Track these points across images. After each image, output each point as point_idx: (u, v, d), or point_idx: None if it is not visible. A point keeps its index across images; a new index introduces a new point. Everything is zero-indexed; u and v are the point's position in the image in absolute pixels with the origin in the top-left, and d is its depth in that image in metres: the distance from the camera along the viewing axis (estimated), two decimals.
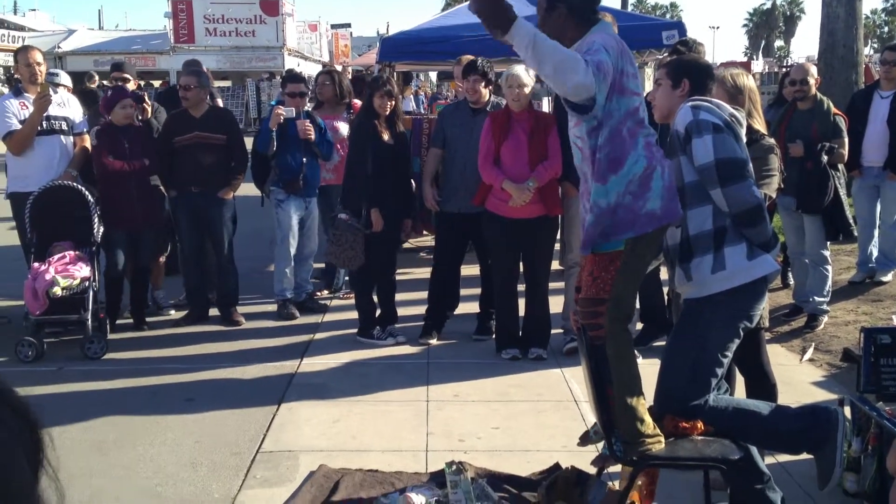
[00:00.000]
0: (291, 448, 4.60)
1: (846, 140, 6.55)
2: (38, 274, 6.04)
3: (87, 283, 6.11)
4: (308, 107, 7.31)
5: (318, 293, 7.67)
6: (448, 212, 6.40)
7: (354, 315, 6.59)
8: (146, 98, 7.32)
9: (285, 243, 7.05)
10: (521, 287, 6.19)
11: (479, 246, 6.49)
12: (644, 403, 3.52)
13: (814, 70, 6.81)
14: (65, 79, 7.80)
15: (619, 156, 3.52)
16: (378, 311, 6.53)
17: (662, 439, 3.49)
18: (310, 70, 30.97)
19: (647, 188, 3.51)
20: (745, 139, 3.73)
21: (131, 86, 7.68)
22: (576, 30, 3.74)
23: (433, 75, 28.35)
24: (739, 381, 4.24)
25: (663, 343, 5.56)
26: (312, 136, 6.90)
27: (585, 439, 3.86)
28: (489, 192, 5.97)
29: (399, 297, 6.69)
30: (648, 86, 11.18)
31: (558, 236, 6.49)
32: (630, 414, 3.46)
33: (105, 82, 10.65)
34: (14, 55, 7.21)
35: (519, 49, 3.28)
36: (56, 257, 6.17)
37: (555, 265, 6.65)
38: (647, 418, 3.48)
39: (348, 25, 41.92)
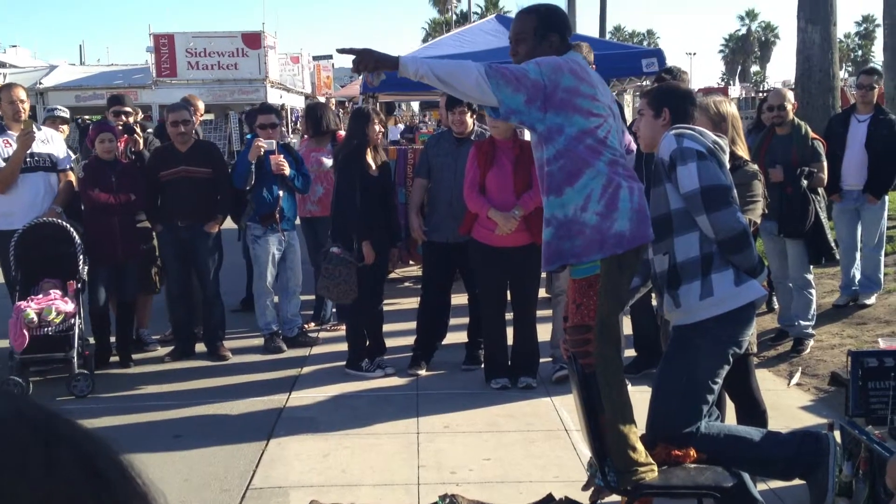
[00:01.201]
0: (281, 484, 4.57)
1: (825, 164, 6.61)
2: (20, 311, 5.99)
3: (71, 320, 6.07)
4: (292, 139, 7.32)
5: (306, 326, 7.65)
6: (435, 241, 6.41)
7: (342, 347, 6.57)
8: (137, 130, 7.30)
9: (263, 279, 7.01)
10: (508, 316, 6.19)
11: (467, 275, 6.49)
12: (636, 431, 3.52)
13: (790, 95, 6.89)
14: (65, 114, 7.82)
15: (574, 169, 3.56)
16: (366, 343, 6.51)
17: (655, 467, 3.49)
18: (293, 102, 31.07)
19: (615, 208, 3.55)
20: (728, 166, 3.77)
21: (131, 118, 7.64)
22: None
23: (415, 105, 28.50)
24: (730, 406, 4.25)
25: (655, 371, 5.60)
26: (287, 171, 6.85)
27: (589, 485, 3.80)
28: (475, 221, 5.99)
29: (386, 327, 6.68)
30: (629, 112, 11.29)
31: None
32: (622, 442, 3.46)
33: (86, 117, 10.63)
34: None
35: (416, 77, 3.54)
36: (41, 295, 6.13)
37: (542, 293, 6.67)
38: (640, 446, 3.48)
39: (330, 57, 42.02)
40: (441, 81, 3.53)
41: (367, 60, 3.57)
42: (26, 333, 5.93)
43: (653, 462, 3.48)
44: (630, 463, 3.44)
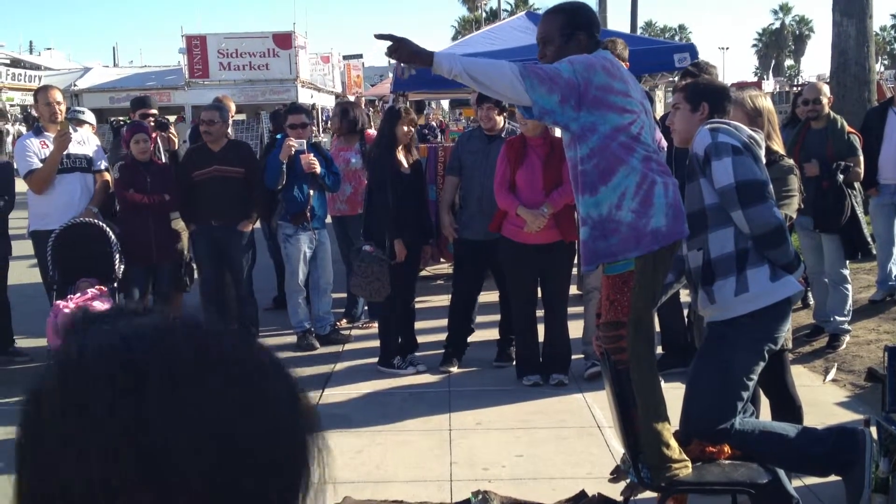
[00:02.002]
0: (314, 480, 4.59)
1: (861, 158, 6.53)
2: (59, 311, 6.08)
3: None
4: (323, 138, 7.35)
5: (338, 323, 7.69)
6: (467, 239, 6.42)
7: (374, 344, 6.60)
8: (171, 128, 7.37)
9: (295, 277, 7.05)
10: (539, 313, 6.18)
11: (498, 272, 6.50)
12: (669, 428, 3.51)
13: (826, 89, 6.81)
14: (89, 116, 7.89)
15: (608, 167, 3.56)
16: (398, 340, 6.54)
17: (689, 464, 3.47)
18: (323, 101, 31.22)
19: (650, 204, 3.54)
20: (764, 160, 3.74)
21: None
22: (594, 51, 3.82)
23: (445, 103, 28.53)
24: (764, 403, 4.22)
25: (682, 370, 5.56)
26: (318, 170, 6.88)
27: (617, 474, 3.83)
28: (505, 219, 5.99)
29: (418, 325, 6.70)
30: (660, 108, 11.22)
31: (575, 261, 6.49)
32: (655, 439, 3.45)
33: (120, 119, 10.74)
34: (34, 94, 7.32)
35: (449, 75, 3.51)
36: (78, 295, 6.21)
37: (573, 290, 6.65)
38: (673, 442, 3.47)
39: (360, 56, 42.20)
40: (475, 80, 3.52)
41: (402, 51, 3.57)
42: None
43: (686, 458, 3.47)
44: (664, 459, 3.43)
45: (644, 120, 3.66)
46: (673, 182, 3.66)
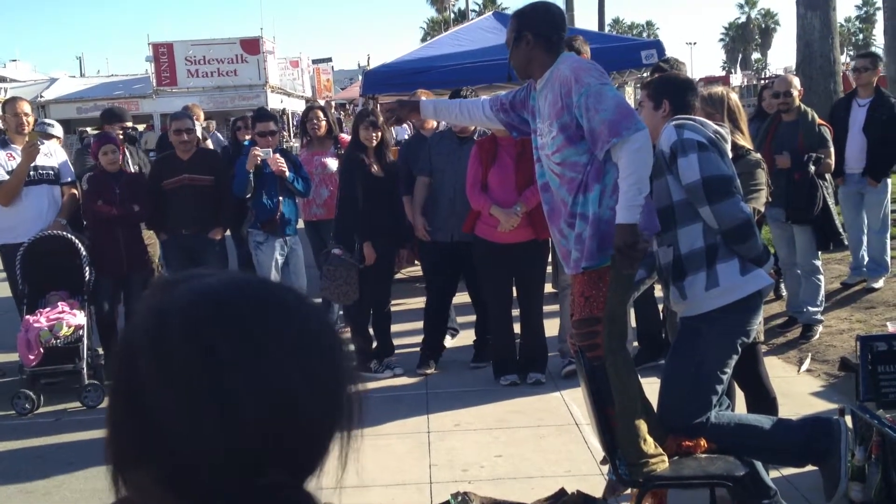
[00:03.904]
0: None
1: (832, 150, 6.60)
2: (30, 325, 6.01)
3: (80, 332, 6.08)
4: (294, 144, 7.31)
5: None
6: (438, 241, 6.40)
7: (350, 349, 6.57)
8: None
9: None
10: (515, 312, 6.19)
11: (469, 274, 6.49)
12: (645, 423, 3.52)
13: (797, 82, 6.86)
14: (57, 129, 7.81)
15: (600, 166, 3.66)
16: (374, 344, 6.51)
17: (666, 458, 3.48)
18: (293, 106, 31.08)
19: None
20: (730, 155, 3.77)
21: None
22: (545, 56, 3.91)
23: None
24: (739, 395, 4.24)
25: (657, 364, 5.58)
26: (286, 171, 6.80)
27: (613, 489, 3.83)
28: (478, 219, 5.99)
29: (394, 328, 6.69)
30: (631, 104, 11.27)
31: (549, 259, 6.50)
32: (632, 434, 3.46)
33: (89, 129, 10.64)
34: (1, 106, 7.23)
35: (639, 207, 3.62)
36: (48, 308, 6.14)
37: (548, 288, 6.66)
38: (649, 438, 3.48)
39: (329, 60, 42.06)
40: (646, 183, 3.63)
41: None
42: (41, 350, 5.94)
43: (663, 453, 3.48)
44: (640, 455, 3.44)
45: None
46: None
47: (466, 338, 6.82)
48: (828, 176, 6.57)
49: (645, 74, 9.78)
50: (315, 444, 0.87)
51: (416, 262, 8.57)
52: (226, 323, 0.83)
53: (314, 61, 38.30)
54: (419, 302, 7.08)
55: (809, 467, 3.71)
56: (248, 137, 8.00)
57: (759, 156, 4.40)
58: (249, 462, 0.81)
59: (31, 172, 6.51)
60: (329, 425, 0.87)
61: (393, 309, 6.76)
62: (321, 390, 0.85)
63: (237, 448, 0.80)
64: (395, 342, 6.64)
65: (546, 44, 3.91)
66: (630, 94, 14.79)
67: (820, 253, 6.71)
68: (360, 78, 14.86)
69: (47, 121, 8.12)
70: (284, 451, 0.83)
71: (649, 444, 3.47)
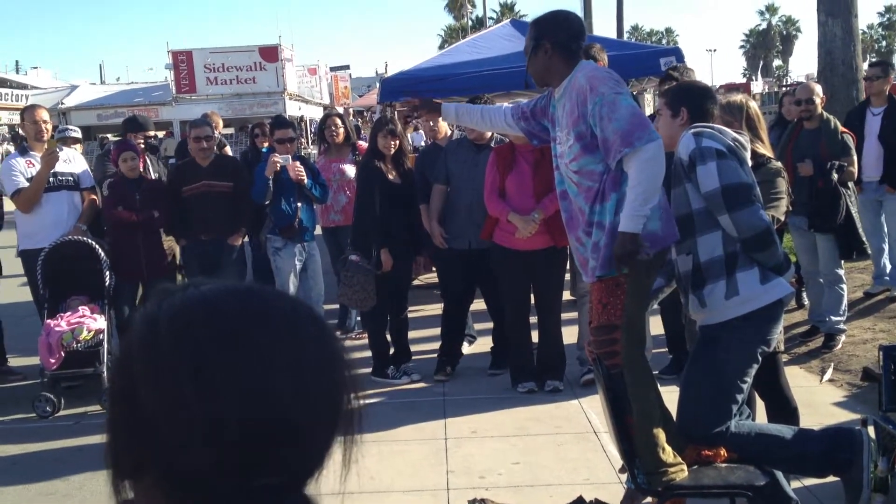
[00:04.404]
0: (309, 492, 4.56)
1: (854, 158, 6.55)
2: (51, 329, 6.05)
3: (100, 336, 6.12)
4: (311, 150, 7.33)
5: None
6: (455, 248, 6.39)
7: (368, 355, 6.57)
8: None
9: (285, 290, 6.98)
10: (533, 319, 6.17)
11: (485, 282, 6.48)
12: (663, 432, 3.49)
13: (819, 89, 6.81)
14: (77, 132, 7.90)
15: (617, 174, 3.64)
16: (392, 350, 6.51)
17: (685, 467, 3.46)
18: (311, 113, 31.20)
19: None
20: (749, 163, 3.74)
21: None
22: (563, 65, 3.91)
23: None
24: (760, 405, 4.21)
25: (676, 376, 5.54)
26: (305, 179, 6.83)
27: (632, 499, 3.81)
28: (496, 226, 5.98)
29: (411, 334, 6.68)
30: (648, 112, 11.24)
31: (567, 266, 6.48)
32: (650, 443, 3.44)
33: (109, 136, 10.70)
34: (21, 113, 7.30)
35: (644, 217, 3.65)
36: (69, 313, 6.19)
37: (566, 295, 6.64)
38: (668, 447, 3.46)
39: (347, 67, 42.27)
40: (654, 194, 3.66)
41: None
42: (62, 353, 5.98)
43: (682, 462, 3.46)
44: (659, 463, 3.41)
45: None
46: (662, 188, 3.71)
47: (484, 345, 6.81)
48: (850, 184, 6.52)
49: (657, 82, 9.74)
50: (308, 449, 0.87)
51: (432, 268, 8.58)
52: (214, 330, 0.84)
53: (332, 69, 38.49)
54: (436, 308, 7.07)
55: (831, 478, 3.67)
56: (265, 144, 8.03)
57: (779, 164, 4.36)
58: (241, 466, 0.82)
59: (51, 179, 6.56)
60: (322, 431, 0.88)
61: (410, 315, 6.76)
62: (312, 397, 0.85)
63: (227, 453, 0.81)
64: (413, 348, 6.64)
65: (564, 53, 3.91)
66: (649, 102, 14.75)
67: (843, 262, 6.66)
68: (378, 85, 14.88)
69: (69, 126, 8.21)
70: (277, 456, 0.84)
71: (668, 453, 3.44)
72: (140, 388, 0.83)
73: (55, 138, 7.79)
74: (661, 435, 3.47)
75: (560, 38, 3.91)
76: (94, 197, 6.85)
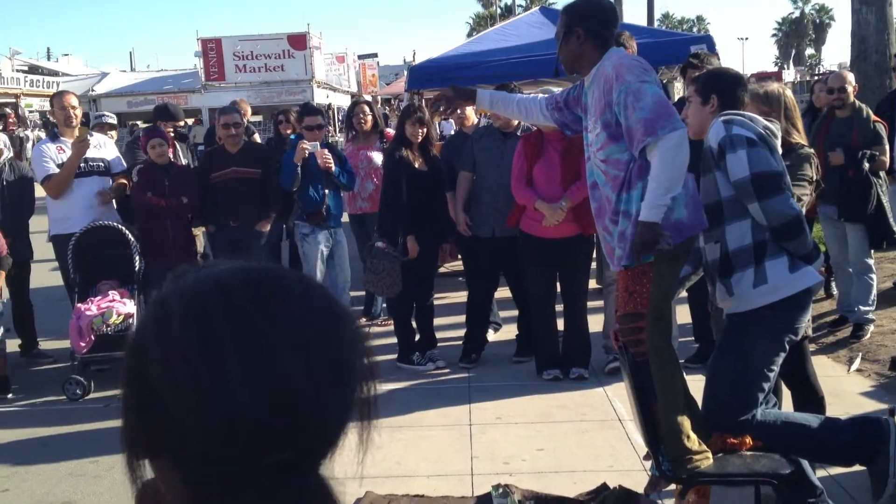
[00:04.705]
0: (336, 475, 4.60)
1: (887, 147, 6.47)
2: (81, 313, 6.13)
3: (130, 320, 6.19)
4: (339, 138, 7.36)
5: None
6: (479, 236, 6.40)
7: (394, 341, 6.60)
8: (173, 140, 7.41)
9: (312, 276, 7.02)
10: (558, 307, 6.17)
11: (510, 270, 6.49)
12: (688, 420, 3.48)
13: (851, 77, 6.73)
14: (112, 118, 7.98)
15: (644, 163, 3.62)
16: (417, 337, 6.54)
17: (710, 455, 3.45)
18: (339, 101, 31.27)
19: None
20: (780, 151, 3.71)
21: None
22: (594, 52, 3.88)
23: None
24: (786, 394, 4.19)
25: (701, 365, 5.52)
26: (332, 167, 6.88)
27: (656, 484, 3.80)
28: (523, 213, 5.98)
29: (437, 321, 6.70)
30: (670, 102, 11.15)
31: (594, 254, 6.47)
32: (675, 430, 3.44)
33: (139, 123, 10.78)
34: (50, 100, 7.38)
35: (665, 207, 3.60)
36: (99, 297, 6.27)
37: (592, 283, 6.63)
38: (693, 434, 3.45)
39: (375, 55, 42.30)
40: (676, 184, 3.61)
41: None
42: (92, 337, 6.06)
43: (707, 450, 3.45)
44: (684, 451, 3.41)
45: None
46: (690, 175, 3.67)
47: (509, 332, 6.82)
48: (882, 173, 6.45)
49: (676, 69, 9.65)
50: (320, 429, 0.87)
51: (458, 256, 8.59)
52: (225, 309, 0.84)
53: (360, 56, 38.53)
54: (462, 296, 7.09)
55: (857, 467, 3.65)
56: (289, 132, 8.09)
57: (811, 150, 4.32)
58: (252, 443, 0.82)
59: (82, 164, 6.63)
60: (335, 411, 0.87)
61: (436, 302, 6.78)
62: (324, 376, 0.85)
63: (237, 429, 0.81)
64: (438, 335, 6.66)
65: (596, 40, 3.88)
66: (679, 90, 14.63)
67: (872, 251, 6.60)
68: (406, 73, 14.88)
69: (105, 113, 8.29)
70: (287, 432, 0.83)
71: (693, 441, 3.44)
72: (151, 367, 0.84)
73: (92, 125, 7.88)
74: (686, 422, 3.46)
75: (593, 24, 3.88)
76: (125, 181, 6.91)
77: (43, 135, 21.33)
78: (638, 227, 3.60)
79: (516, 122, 6.33)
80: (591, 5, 3.98)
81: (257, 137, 9.27)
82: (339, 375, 0.87)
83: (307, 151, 6.73)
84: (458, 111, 6.90)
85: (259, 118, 27.22)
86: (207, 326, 0.83)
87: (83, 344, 6.07)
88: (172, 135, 7.41)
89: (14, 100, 29.17)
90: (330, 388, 0.85)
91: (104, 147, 6.95)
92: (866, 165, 6.18)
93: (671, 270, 3.64)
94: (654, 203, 3.59)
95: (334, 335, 0.88)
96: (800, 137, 4.26)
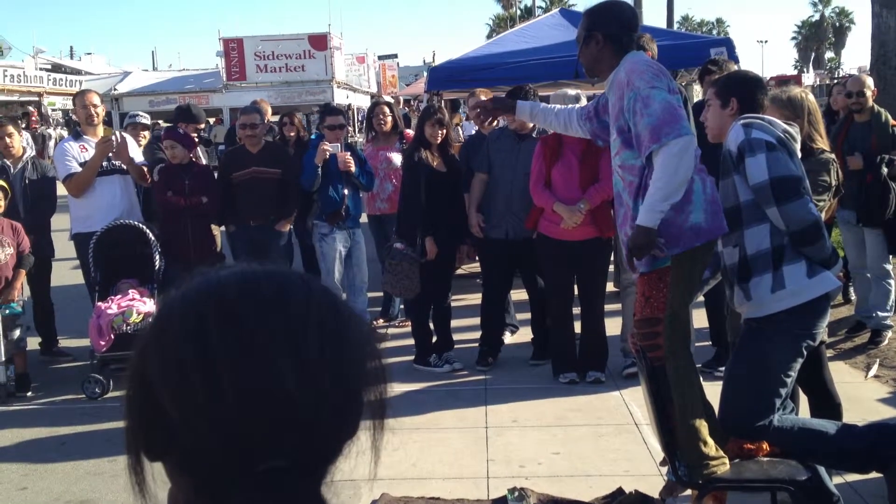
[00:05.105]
0: (353, 477, 4.61)
1: None
2: (102, 312, 6.18)
3: (150, 319, 6.22)
4: (358, 138, 7.39)
5: (375, 322, 7.72)
6: (493, 238, 6.40)
7: (411, 343, 6.62)
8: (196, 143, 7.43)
9: (330, 276, 7.05)
10: (576, 310, 6.16)
11: (525, 271, 6.49)
12: (706, 425, 3.48)
13: (870, 82, 6.70)
14: (145, 118, 8.05)
15: (653, 170, 3.60)
16: (434, 339, 6.55)
17: (727, 461, 3.45)
18: (359, 102, 31.34)
19: (688, 201, 3.57)
20: (799, 155, 3.70)
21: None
22: (612, 57, 3.89)
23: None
24: (803, 400, 4.17)
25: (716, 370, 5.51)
26: (353, 169, 6.92)
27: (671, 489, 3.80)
28: (541, 215, 5.98)
29: (454, 323, 6.71)
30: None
31: (612, 257, 6.46)
32: (692, 436, 3.43)
33: (160, 122, 10.84)
34: (73, 98, 7.43)
35: (661, 213, 3.64)
36: (119, 296, 6.31)
37: (609, 287, 6.62)
38: (710, 440, 3.45)
39: (395, 56, 42.39)
40: (674, 193, 3.62)
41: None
42: (112, 336, 6.11)
43: (724, 455, 3.45)
44: (701, 456, 3.41)
45: (684, 114, 3.71)
46: (710, 179, 3.67)
47: (526, 335, 6.82)
48: None
49: (695, 73, 9.62)
50: (314, 435, 0.85)
51: (475, 257, 8.60)
52: (219, 311, 0.84)
53: (380, 57, 38.61)
54: (479, 298, 7.08)
55: (874, 474, 3.64)
56: (292, 134, 8.15)
57: (831, 156, 4.30)
58: (244, 448, 0.82)
59: (104, 164, 6.67)
60: (332, 417, 0.85)
61: (453, 304, 6.80)
62: (318, 381, 0.83)
63: (228, 434, 0.81)
64: (455, 337, 6.66)
65: (615, 45, 3.89)
66: (698, 92, 14.57)
67: (891, 257, 6.56)
68: (425, 74, 14.89)
69: (138, 112, 8.35)
70: (279, 439, 0.82)
71: (710, 446, 3.44)
72: (150, 368, 0.84)
73: (125, 124, 7.92)
74: (703, 428, 3.46)
75: (612, 29, 3.89)
76: (145, 170, 6.90)
77: (65, 133, 21.50)
78: (634, 230, 3.61)
79: (531, 125, 6.33)
80: (610, 10, 3.99)
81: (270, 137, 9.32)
82: (341, 379, 0.86)
83: (328, 153, 6.77)
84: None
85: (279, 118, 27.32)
86: (202, 329, 0.83)
87: (103, 343, 6.12)
88: (197, 139, 7.43)
89: (37, 98, 29.42)
90: (329, 391, 0.84)
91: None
92: (885, 170, 6.15)
93: (690, 275, 3.64)
94: (650, 208, 3.60)
95: (337, 338, 0.87)
96: (822, 143, 4.25)
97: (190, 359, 0.82)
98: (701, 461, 3.41)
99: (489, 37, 55.51)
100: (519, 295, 6.86)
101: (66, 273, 8.36)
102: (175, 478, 0.88)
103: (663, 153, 3.56)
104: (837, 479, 3.97)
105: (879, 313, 6.50)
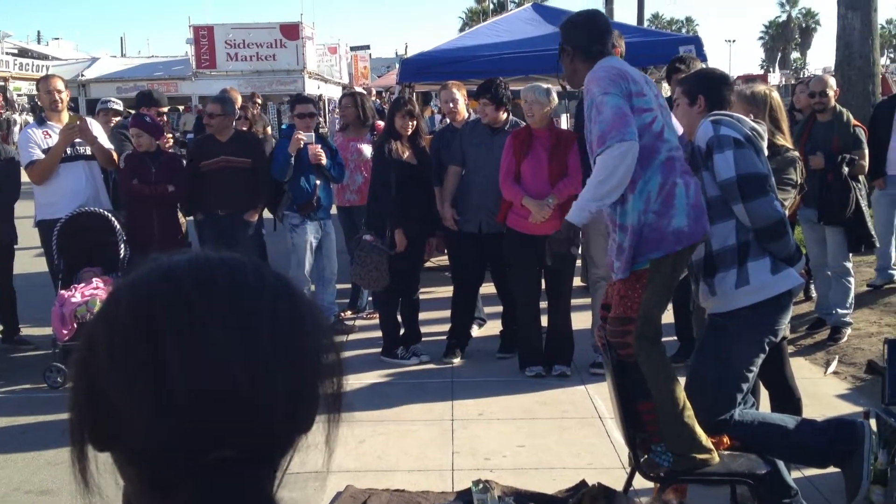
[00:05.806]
0: (318, 469, 4.61)
1: (867, 151, 6.54)
2: (65, 300, 6.11)
3: None
4: (327, 130, 7.35)
5: (343, 314, 7.71)
6: (467, 232, 6.42)
7: (378, 335, 6.62)
8: (164, 131, 7.36)
9: (301, 267, 7.03)
10: (543, 304, 6.19)
11: (496, 265, 6.51)
12: (692, 415, 3.50)
13: (832, 82, 6.80)
14: (118, 104, 7.96)
15: (633, 176, 3.58)
16: (402, 331, 6.56)
17: (716, 454, 3.47)
18: (330, 92, 31.18)
19: (671, 205, 3.55)
20: (766, 153, 3.74)
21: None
22: (584, 66, 3.89)
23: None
24: (764, 394, 4.23)
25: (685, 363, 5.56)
26: (324, 161, 6.90)
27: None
28: (510, 209, 6.00)
29: (422, 316, 6.72)
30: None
31: (579, 252, 6.49)
32: (679, 425, 3.45)
33: (130, 110, 10.71)
34: (36, 84, 7.32)
35: (592, 215, 3.80)
36: (83, 284, 6.24)
37: (577, 282, 6.66)
38: (699, 430, 3.47)
39: (367, 47, 42.21)
40: (609, 194, 3.61)
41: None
42: (75, 325, 6.04)
43: (713, 448, 3.46)
44: (691, 446, 3.43)
45: (663, 117, 3.67)
46: (695, 182, 3.63)
47: (493, 328, 6.85)
48: (861, 178, 6.52)
49: (659, 71, 9.69)
50: (266, 425, 0.82)
51: (444, 251, 8.61)
52: (167, 297, 0.81)
53: (352, 48, 38.45)
54: (447, 291, 7.11)
55: (832, 468, 3.70)
56: (244, 128, 8.11)
57: (796, 153, 4.34)
58: (193, 438, 0.79)
59: (68, 150, 6.58)
60: (284, 408, 0.82)
61: (421, 297, 6.80)
62: (269, 371, 0.81)
63: (177, 423, 0.78)
64: (423, 330, 6.67)
65: (584, 55, 3.87)
66: (666, 90, 14.68)
67: (851, 255, 6.66)
68: (398, 66, 14.87)
69: (111, 98, 8.27)
70: (229, 429, 0.80)
71: (700, 436, 3.45)
72: (100, 360, 0.81)
73: (98, 110, 7.82)
74: (689, 418, 3.47)
75: (580, 42, 3.88)
76: (113, 155, 6.83)
77: (31, 119, 21.23)
78: (563, 224, 3.69)
79: (504, 118, 6.34)
80: (578, 23, 3.97)
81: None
82: (295, 368, 0.83)
83: (302, 142, 6.74)
84: (451, 105, 6.89)
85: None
86: (150, 315, 0.80)
87: (65, 332, 6.04)
88: (170, 137, 7.36)
89: (3, 83, 28.98)
90: (281, 381, 0.81)
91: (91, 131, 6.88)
92: (846, 170, 6.25)
93: (669, 278, 3.63)
94: (581, 206, 3.65)
95: (291, 328, 0.84)
96: (784, 140, 4.29)
97: (136, 347, 0.79)
98: (691, 451, 3.43)
99: (462, 30, 55.49)
100: (487, 288, 6.88)
101: (29, 260, 8.26)
102: (123, 468, 0.86)
103: (604, 155, 3.53)
104: (796, 474, 4.03)
105: (839, 310, 6.60)
